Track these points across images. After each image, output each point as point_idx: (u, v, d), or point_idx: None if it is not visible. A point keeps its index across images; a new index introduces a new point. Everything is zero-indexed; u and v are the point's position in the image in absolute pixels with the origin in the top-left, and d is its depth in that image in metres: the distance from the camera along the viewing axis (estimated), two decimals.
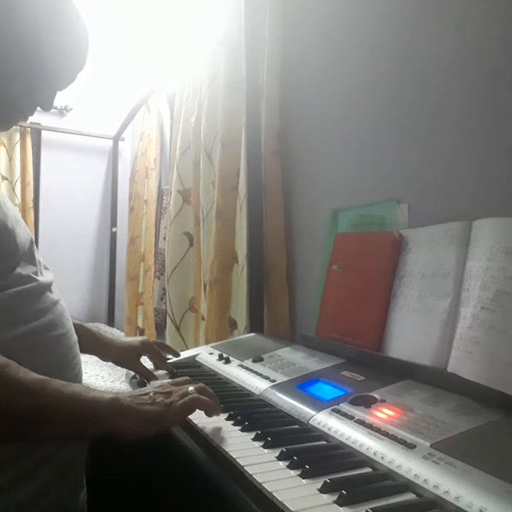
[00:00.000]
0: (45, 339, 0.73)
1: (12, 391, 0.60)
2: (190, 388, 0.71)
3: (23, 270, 0.74)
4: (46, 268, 0.82)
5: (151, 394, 0.68)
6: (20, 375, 0.61)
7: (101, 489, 0.86)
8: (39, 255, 0.81)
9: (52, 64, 0.76)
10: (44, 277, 0.78)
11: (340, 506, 0.48)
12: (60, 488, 0.73)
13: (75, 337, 0.81)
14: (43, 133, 3.16)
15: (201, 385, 0.74)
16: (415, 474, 0.52)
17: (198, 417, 0.74)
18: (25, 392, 0.60)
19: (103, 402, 0.63)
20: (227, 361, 1.06)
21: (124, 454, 0.90)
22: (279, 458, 0.59)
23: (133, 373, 1.04)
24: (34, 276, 0.75)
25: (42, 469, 0.69)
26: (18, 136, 3.02)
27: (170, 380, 0.77)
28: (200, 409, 0.70)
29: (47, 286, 0.78)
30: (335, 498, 0.49)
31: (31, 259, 0.77)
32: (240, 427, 0.70)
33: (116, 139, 3.31)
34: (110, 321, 3.28)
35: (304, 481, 0.54)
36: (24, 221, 0.81)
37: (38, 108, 0.80)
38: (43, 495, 0.69)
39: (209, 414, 0.72)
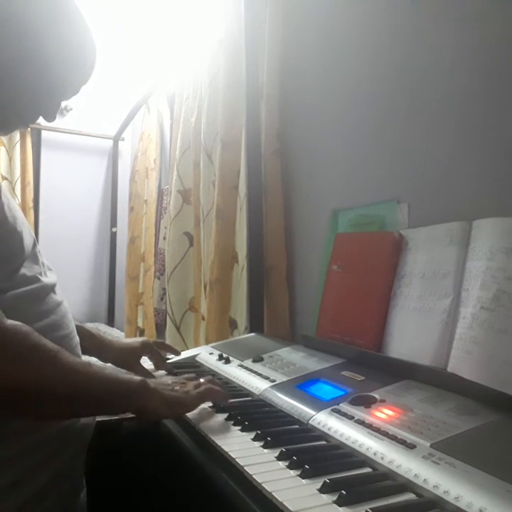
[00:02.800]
0: (49, 340, 0.73)
1: (68, 374, 0.64)
2: (202, 380, 0.79)
3: (28, 271, 0.74)
4: (49, 269, 0.83)
5: (170, 382, 0.76)
6: (71, 359, 0.66)
7: (101, 489, 0.86)
8: (42, 257, 0.81)
9: (56, 76, 0.75)
10: (48, 278, 0.79)
11: (340, 506, 0.48)
12: (61, 489, 0.73)
13: (77, 338, 0.82)
14: (43, 133, 3.16)
15: (210, 377, 0.83)
16: (415, 474, 0.52)
17: (198, 417, 0.74)
18: (78, 374, 0.65)
19: (134, 383, 0.69)
20: (227, 361, 1.06)
21: (124, 455, 0.90)
22: (279, 458, 0.59)
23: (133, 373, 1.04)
24: (39, 277, 0.76)
25: (42, 470, 0.70)
26: (18, 136, 3.02)
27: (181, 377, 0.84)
28: (213, 397, 0.78)
29: (51, 288, 0.78)
30: (335, 498, 0.49)
31: (35, 261, 0.78)
32: (239, 427, 0.70)
33: (116, 139, 3.31)
34: (110, 321, 3.28)
35: (303, 481, 0.54)
36: (29, 226, 0.81)
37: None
38: (43, 496, 0.69)
39: (221, 402, 0.79)
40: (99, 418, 0.82)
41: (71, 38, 0.75)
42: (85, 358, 0.94)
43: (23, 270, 0.73)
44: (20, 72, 0.71)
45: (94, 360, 1.03)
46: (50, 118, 0.79)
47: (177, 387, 0.74)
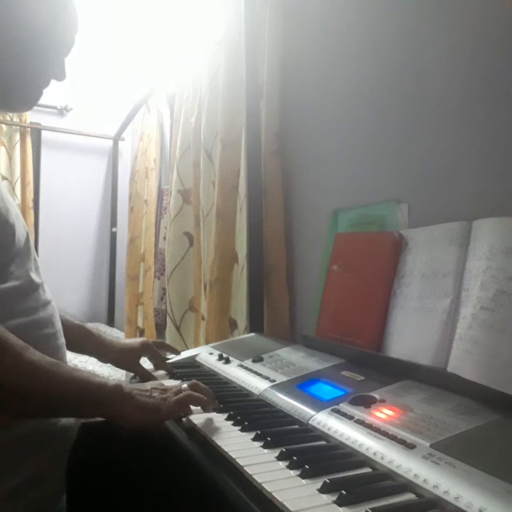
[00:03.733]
0: (35, 336, 0.73)
1: (32, 371, 0.63)
2: (184, 385, 0.75)
3: (19, 266, 0.74)
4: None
5: (149, 388, 0.73)
6: (38, 357, 0.64)
7: (82, 496, 0.85)
8: (34, 252, 0.81)
9: (55, 33, 0.78)
10: (37, 275, 0.79)
11: (340, 506, 0.48)
12: (40, 489, 0.72)
13: (63, 339, 0.82)
14: (43, 133, 3.16)
15: (194, 381, 0.78)
16: (415, 474, 0.52)
17: (198, 417, 0.74)
18: (44, 372, 0.64)
19: (107, 388, 0.67)
20: (227, 361, 1.06)
21: (116, 455, 0.89)
22: (279, 458, 0.59)
23: (132, 374, 1.04)
24: (28, 272, 0.76)
25: (21, 469, 0.69)
26: (18, 136, 3.02)
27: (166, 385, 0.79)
28: (193, 405, 0.74)
29: (39, 285, 0.78)
30: (334, 498, 0.49)
31: (27, 255, 0.78)
32: (239, 427, 0.70)
33: (116, 139, 3.31)
34: (110, 321, 3.28)
35: (303, 481, 0.54)
36: (24, 221, 0.81)
37: (35, 108, 0.81)
38: (21, 494, 0.68)
39: (204, 409, 0.75)
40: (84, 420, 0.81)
41: None
42: (84, 356, 0.93)
43: (14, 265, 0.73)
44: (28, 40, 0.74)
45: (93, 360, 1.02)
46: (61, 76, 0.82)
47: (155, 394, 0.71)
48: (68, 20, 0.81)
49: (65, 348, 0.82)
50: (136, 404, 0.68)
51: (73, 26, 0.82)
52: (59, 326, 0.81)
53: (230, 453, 0.61)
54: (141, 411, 0.68)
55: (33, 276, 0.77)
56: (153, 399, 0.70)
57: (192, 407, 0.75)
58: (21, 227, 0.77)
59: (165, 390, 0.73)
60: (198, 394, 0.75)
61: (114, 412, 0.67)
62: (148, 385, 0.75)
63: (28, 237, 0.79)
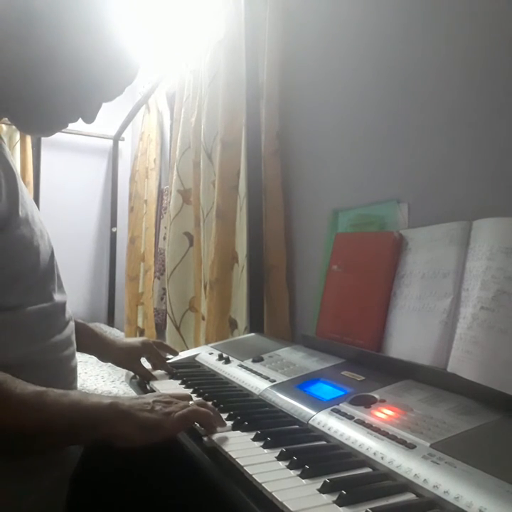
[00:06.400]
0: (52, 359, 0.72)
1: (12, 407, 0.58)
2: (191, 402, 0.70)
3: (42, 288, 0.73)
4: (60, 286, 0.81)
5: (151, 401, 0.67)
6: (18, 391, 0.59)
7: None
8: (57, 269, 0.79)
9: (97, 75, 0.72)
10: (60, 296, 0.77)
11: (340, 506, 0.48)
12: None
13: (76, 360, 0.80)
14: None
15: (201, 400, 0.74)
16: (415, 474, 0.52)
17: None
18: (25, 407, 0.59)
19: (102, 408, 0.62)
20: (227, 361, 1.06)
21: (116, 457, 0.87)
22: (279, 458, 0.59)
23: (133, 373, 1.04)
24: (52, 294, 0.74)
25: (20, 502, 0.66)
26: (18, 136, 3.02)
27: (171, 393, 0.74)
28: (198, 421, 0.68)
29: (62, 306, 0.77)
30: (335, 498, 0.49)
31: (51, 274, 0.76)
32: (239, 427, 0.69)
33: (116, 139, 3.31)
34: (110, 321, 3.28)
35: (303, 481, 0.54)
36: (49, 235, 0.78)
37: None
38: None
39: (208, 428, 0.68)
40: None
41: (115, 38, 0.73)
42: (84, 357, 0.93)
43: (37, 288, 0.71)
44: (60, 69, 0.69)
45: (93, 361, 1.02)
46: (89, 119, 0.76)
47: (158, 407, 0.65)
48: (124, 69, 0.75)
49: (76, 370, 0.79)
50: (136, 422, 0.62)
51: (127, 77, 0.76)
52: (74, 345, 0.79)
53: (230, 453, 0.61)
54: (141, 429, 0.62)
55: (56, 297, 0.75)
56: (154, 414, 0.64)
57: None
58: (46, 246, 0.74)
59: (170, 402, 0.68)
60: (204, 409, 0.68)
61: (111, 431, 0.61)
62: (151, 396, 0.69)
63: (52, 253, 0.77)
